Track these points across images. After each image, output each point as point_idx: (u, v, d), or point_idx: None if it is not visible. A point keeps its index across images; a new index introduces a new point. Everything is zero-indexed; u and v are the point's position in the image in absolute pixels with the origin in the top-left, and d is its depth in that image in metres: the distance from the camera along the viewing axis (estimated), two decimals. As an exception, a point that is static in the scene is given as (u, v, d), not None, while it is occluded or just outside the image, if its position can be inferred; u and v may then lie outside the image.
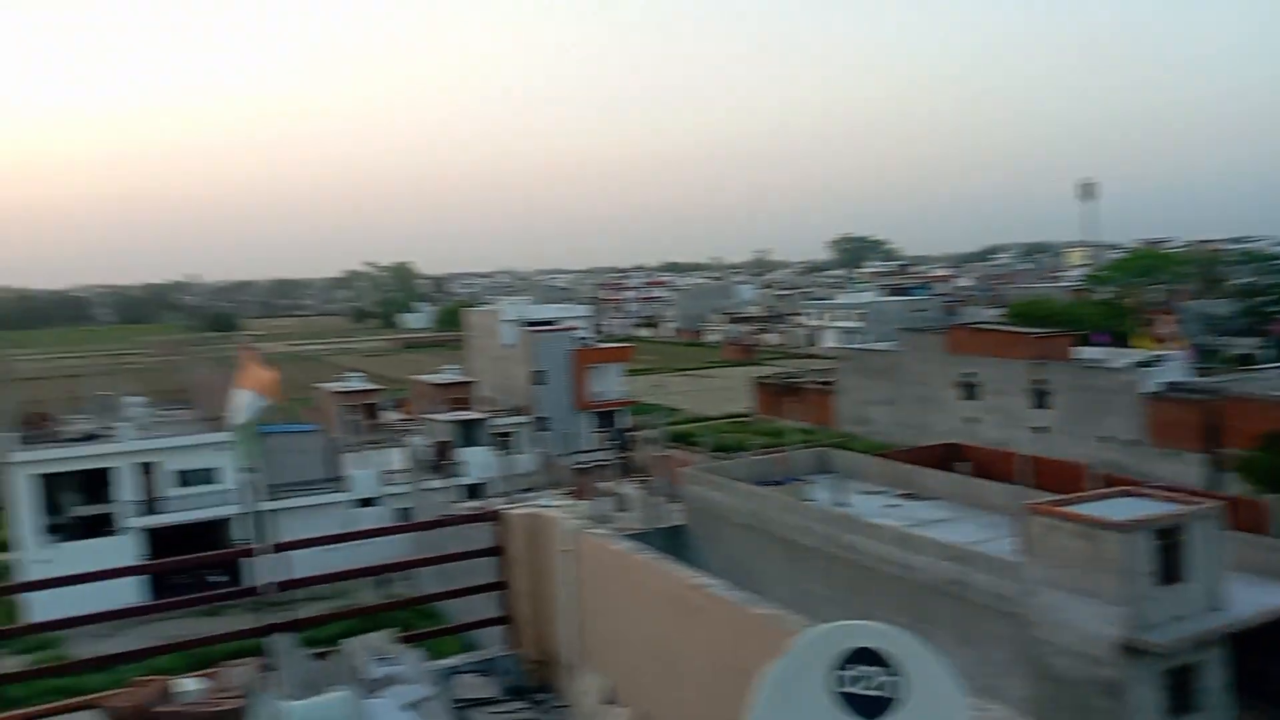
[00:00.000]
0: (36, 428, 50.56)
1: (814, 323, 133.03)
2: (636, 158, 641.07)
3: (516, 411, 61.61)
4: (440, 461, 51.09)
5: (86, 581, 6.09)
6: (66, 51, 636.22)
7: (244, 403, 5.31)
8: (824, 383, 76.30)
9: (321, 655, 5.35)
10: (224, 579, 44.02)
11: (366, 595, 38.25)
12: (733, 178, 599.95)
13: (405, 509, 49.15)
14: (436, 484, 48.09)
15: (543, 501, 6.26)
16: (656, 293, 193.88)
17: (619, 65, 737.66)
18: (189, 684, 3.02)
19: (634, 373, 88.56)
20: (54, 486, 46.21)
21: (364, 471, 51.29)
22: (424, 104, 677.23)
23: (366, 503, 49.86)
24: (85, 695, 5.23)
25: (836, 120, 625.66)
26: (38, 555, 43.76)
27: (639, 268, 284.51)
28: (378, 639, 5.39)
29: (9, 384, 48.48)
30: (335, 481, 49.84)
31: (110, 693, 2.92)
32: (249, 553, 5.60)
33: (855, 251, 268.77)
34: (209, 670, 3.16)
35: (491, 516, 6.20)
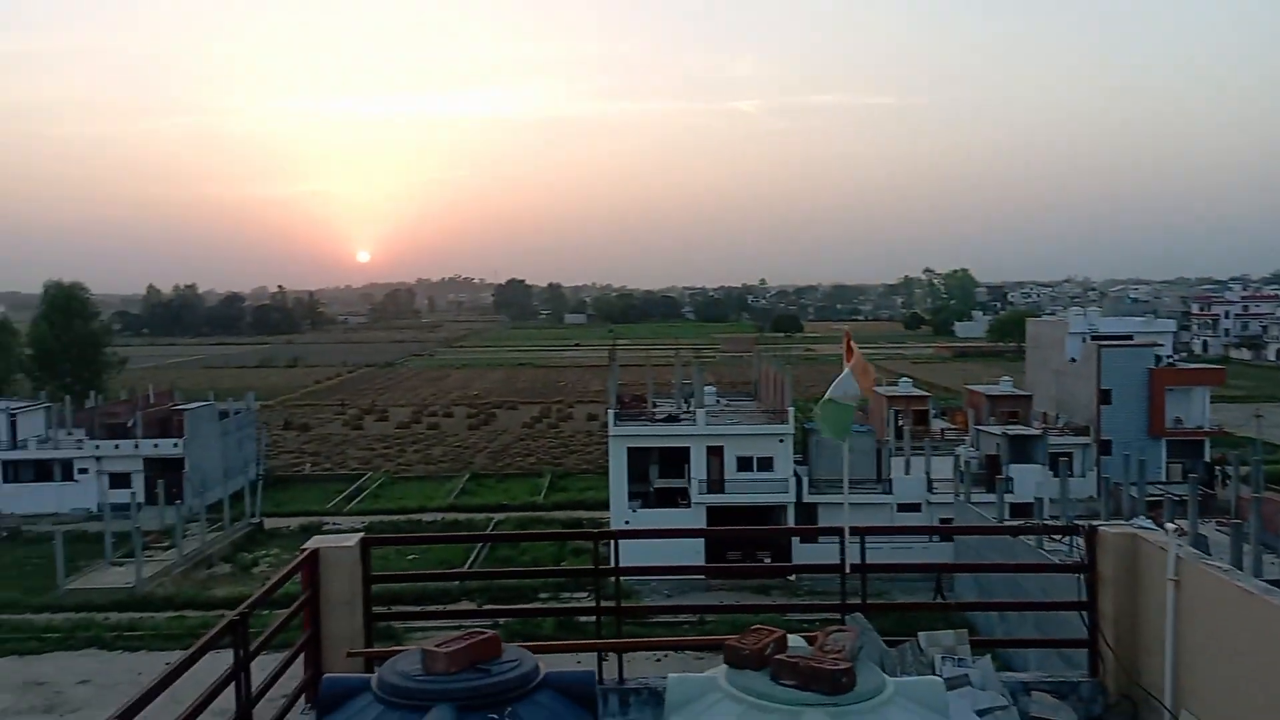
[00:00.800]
0: (631, 407, 58.65)
1: None
2: (1236, 152, 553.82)
3: (1076, 431, 56.96)
4: (988, 475, 49.14)
5: (680, 537, 6.99)
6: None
7: (843, 384, 5.57)
8: None
9: (892, 643, 5.40)
10: (767, 559, 47.03)
11: (899, 594, 38.12)
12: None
13: (948, 519, 48.13)
14: (982, 497, 46.34)
15: (1140, 524, 5.65)
16: (1262, 309, 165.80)
17: (1217, 52, 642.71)
18: (797, 640, 3.23)
19: (1225, 399, 76.87)
20: (641, 459, 53.15)
21: (909, 476, 51.26)
22: (979, 111, 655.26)
23: (909, 508, 49.81)
24: (687, 637, 5.87)
25: None
26: (626, 517, 50.71)
27: (1239, 279, 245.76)
28: (950, 638, 5.30)
29: (615, 369, 56.75)
30: (881, 483, 50.52)
31: (734, 636, 3.23)
32: (835, 531, 5.88)
33: None
34: (810, 634, 3.35)
35: (1082, 531, 5.75)
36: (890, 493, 49.91)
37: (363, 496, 67.40)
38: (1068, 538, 7.13)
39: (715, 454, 51.43)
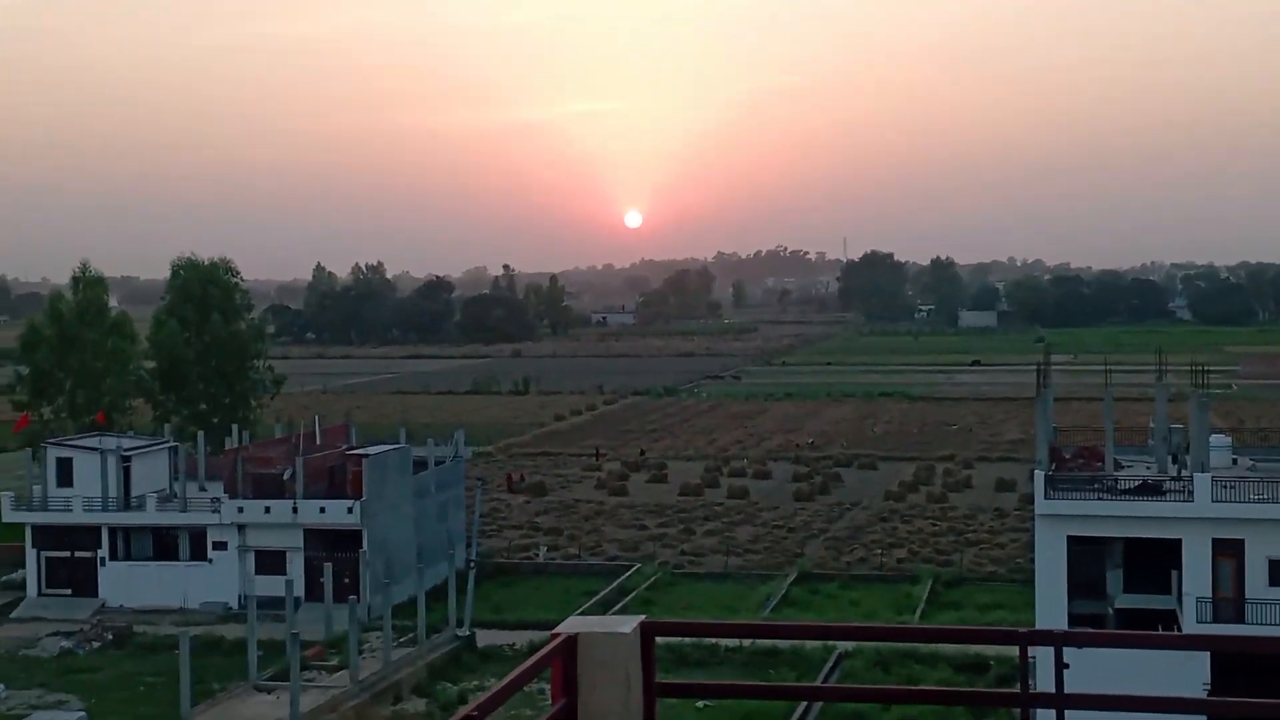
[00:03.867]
0: (1076, 467, 56.87)
1: None
2: None
3: None
4: None
5: (1165, 648, 6.75)
6: None
7: None
8: None
9: None
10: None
11: None
12: None
13: None
14: None
15: None
16: None
17: None
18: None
19: None
20: (1092, 558, 51.38)
21: None
22: None
23: None
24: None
25: None
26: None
27: None
28: None
29: (1047, 402, 55.39)
30: None
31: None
32: None
33: None
34: None
35: None
36: None
37: (626, 602, 69.97)
38: None
39: (1228, 553, 49.03)
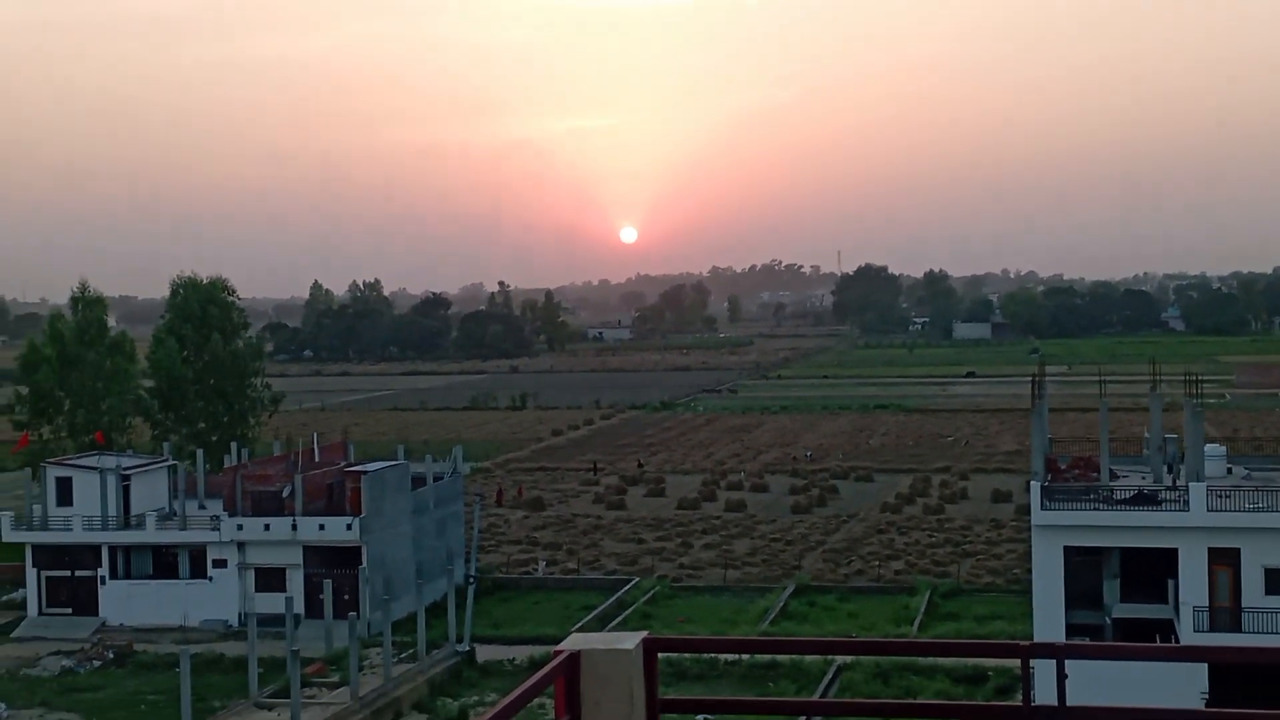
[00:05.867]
0: (1068, 477, 56.94)
1: None
2: None
3: None
4: None
5: (1168, 659, 6.67)
6: None
7: None
8: None
9: None
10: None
11: None
12: None
13: None
14: None
15: None
16: None
17: None
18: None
19: None
20: (1088, 569, 51.40)
21: None
22: None
23: None
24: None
25: None
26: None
27: None
28: None
29: (1042, 413, 55.47)
30: None
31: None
32: None
33: None
34: None
35: None
36: None
37: (625, 616, 69.93)
38: None
39: (1224, 562, 49.08)
